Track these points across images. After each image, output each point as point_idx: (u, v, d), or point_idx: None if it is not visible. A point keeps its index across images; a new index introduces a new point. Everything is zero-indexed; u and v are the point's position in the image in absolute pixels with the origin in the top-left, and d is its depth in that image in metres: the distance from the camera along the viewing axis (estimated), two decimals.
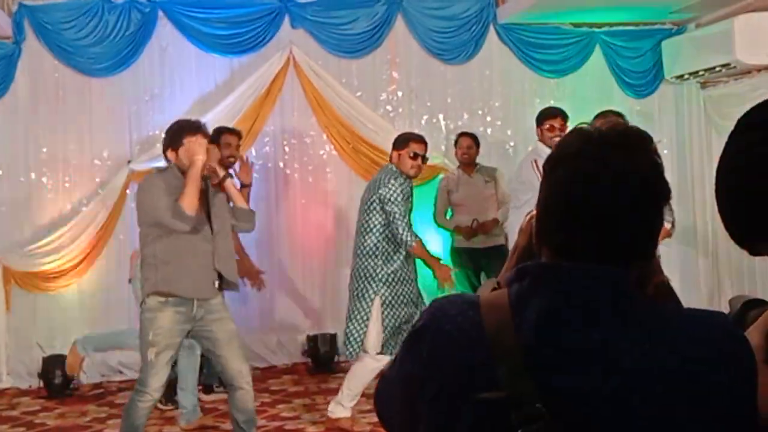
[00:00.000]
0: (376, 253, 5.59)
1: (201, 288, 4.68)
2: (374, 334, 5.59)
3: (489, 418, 1.29)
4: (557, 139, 6.34)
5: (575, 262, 1.35)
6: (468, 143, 7.30)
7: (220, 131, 6.32)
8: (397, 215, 5.49)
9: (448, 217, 7.36)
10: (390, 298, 5.58)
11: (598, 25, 8.10)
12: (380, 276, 5.58)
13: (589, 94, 8.12)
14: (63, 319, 7.35)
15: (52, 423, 6.20)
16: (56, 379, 6.87)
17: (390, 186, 5.53)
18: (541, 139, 6.37)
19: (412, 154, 5.61)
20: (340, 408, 5.74)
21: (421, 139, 5.75)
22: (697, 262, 8.16)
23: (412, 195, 5.71)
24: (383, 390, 1.59)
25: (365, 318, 5.60)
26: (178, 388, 5.89)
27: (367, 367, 5.66)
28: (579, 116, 8.00)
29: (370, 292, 5.59)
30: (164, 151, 4.76)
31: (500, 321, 1.34)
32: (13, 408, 6.61)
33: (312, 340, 7.48)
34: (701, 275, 8.15)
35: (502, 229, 7.15)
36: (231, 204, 4.89)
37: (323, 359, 7.39)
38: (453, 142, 7.68)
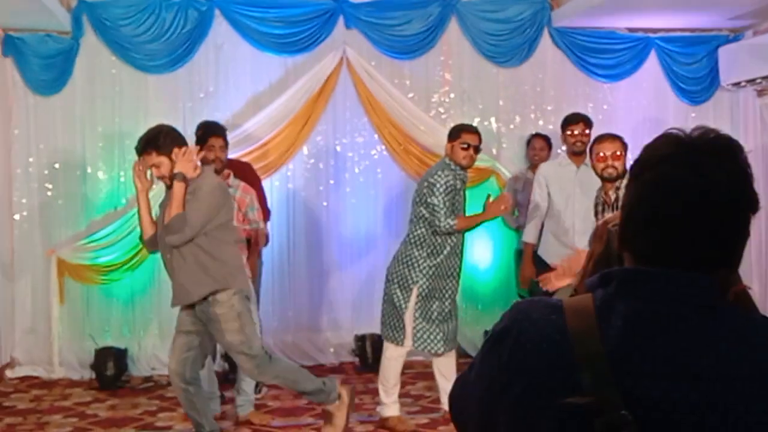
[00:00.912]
0: (423, 243, 5.64)
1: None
2: (406, 323, 5.66)
3: (571, 423, 1.27)
4: (579, 144, 6.40)
5: (661, 269, 1.34)
6: (540, 144, 7.30)
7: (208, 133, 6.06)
8: (437, 206, 5.54)
9: (514, 216, 7.37)
10: (427, 290, 5.64)
11: (654, 30, 8.03)
12: (422, 267, 5.64)
13: (643, 100, 8.08)
14: (115, 312, 7.46)
15: (103, 414, 6.28)
16: (108, 371, 6.96)
17: (436, 177, 5.60)
18: (564, 144, 6.59)
19: (465, 145, 5.65)
20: (384, 407, 5.79)
21: (473, 130, 5.81)
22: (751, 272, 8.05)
23: (464, 185, 5.75)
24: (459, 393, 1.57)
25: (400, 304, 5.67)
26: (239, 378, 5.93)
27: (390, 356, 5.75)
28: (632, 122, 8.01)
29: (410, 281, 5.65)
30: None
31: (585, 326, 1.33)
32: (66, 399, 6.71)
33: (360, 339, 7.50)
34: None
35: None
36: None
37: (371, 359, 7.40)
38: (501, 144, 7.70)
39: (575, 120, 6.57)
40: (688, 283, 1.33)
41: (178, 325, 5.07)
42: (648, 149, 1.42)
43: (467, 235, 5.86)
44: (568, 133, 6.53)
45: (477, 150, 5.75)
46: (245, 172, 6.40)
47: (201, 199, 4.80)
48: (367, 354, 7.40)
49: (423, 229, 5.65)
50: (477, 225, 5.80)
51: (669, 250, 1.34)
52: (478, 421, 1.47)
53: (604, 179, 5.27)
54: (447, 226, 5.54)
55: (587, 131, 6.52)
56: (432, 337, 5.66)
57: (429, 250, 5.64)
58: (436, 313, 5.66)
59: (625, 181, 4.97)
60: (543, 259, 6.64)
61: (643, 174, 1.39)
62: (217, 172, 5.72)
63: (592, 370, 1.28)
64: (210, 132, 5.97)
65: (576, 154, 6.51)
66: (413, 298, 5.64)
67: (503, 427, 1.38)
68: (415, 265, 5.64)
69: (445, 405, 5.96)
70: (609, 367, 1.27)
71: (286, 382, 5.23)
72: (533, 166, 7.32)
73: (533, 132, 7.55)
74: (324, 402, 5.20)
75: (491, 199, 5.76)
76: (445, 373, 5.75)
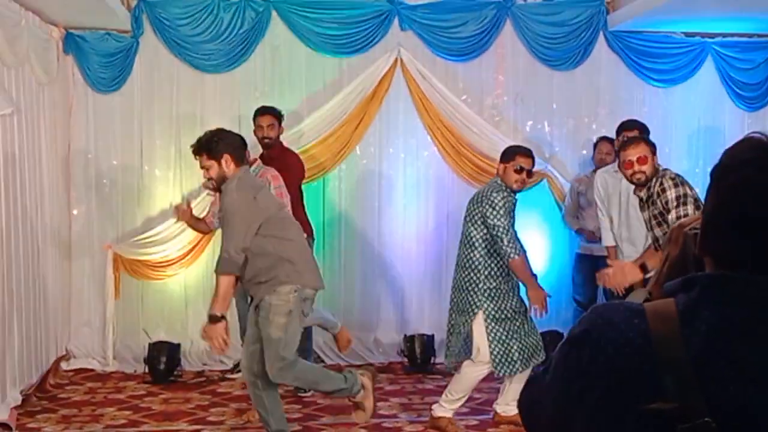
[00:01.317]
0: (479, 267, 5.55)
1: None
2: (480, 348, 5.56)
3: (653, 429, 1.26)
4: None
5: (747, 274, 1.33)
6: (608, 149, 7.22)
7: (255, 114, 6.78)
8: (500, 228, 5.44)
9: (576, 219, 7.38)
10: (494, 312, 5.54)
11: (711, 35, 7.95)
12: (482, 289, 5.54)
13: (699, 105, 8.00)
14: (168, 307, 7.58)
15: (157, 408, 6.37)
16: (161, 366, 7.06)
17: (493, 198, 5.49)
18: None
19: (518, 168, 5.58)
20: (441, 408, 5.79)
21: (527, 153, 5.70)
22: None
23: (514, 209, 5.63)
24: (531, 397, 1.56)
25: (465, 331, 5.60)
26: None
27: (469, 375, 5.67)
28: (687, 127, 7.95)
29: (473, 306, 5.56)
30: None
31: (668, 331, 1.32)
32: (119, 392, 6.81)
33: (409, 340, 7.52)
34: None
35: None
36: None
37: (419, 360, 7.43)
38: (554, 148, 7.67)
39: (630, 126, 6.48)
40: None
41: (245, 319, 5.26)
42: (730, 153, 1.40)
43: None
44: (624, 139, 6.48)
45: (530, 174, 5.72)
46: (286, 162, 6.57)
47: (228, 222, 4.92)
48: (416, 354, 7.42)
49: (477, 252, 5.55)
50: (523, 281, 5.63)
51: (753, 255, 1.33)
52: (551, 424, 1.46)
53: (635, 185, 5.26)
54: (509, 253, 5.43)
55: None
56: (509, 358, 5.56)
57: (486, 273, 5.54)
58: (509, 333, 5.57)
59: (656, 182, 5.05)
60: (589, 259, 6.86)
61: (725, 178, 1.38)
62: (266, 147, 6.59)
63: (675, 375, 1.27)
64: (257, 112, 6.73)
65: None
66: (479, 322, 5.55)
67: (580, 431, 1.38)
68: (475, 288, 5.55)
69: (499, 406, 5.97)
70: (693, 373, 1.27)
71: (307, 383, 5.28)
72: (596, 169, 7.27)
73: (601, 135, 7.42)
74: (349, 395, 5.24)
75: (544, 294, 5.64)
76: (517, 378, 5.72)
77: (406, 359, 7.53)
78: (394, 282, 7.89)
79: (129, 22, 7.36)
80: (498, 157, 5.85)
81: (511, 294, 5.61)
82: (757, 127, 7.90)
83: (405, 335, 7.60)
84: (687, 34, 7.95)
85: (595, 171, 7.31)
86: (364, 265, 7.82)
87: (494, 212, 5.46)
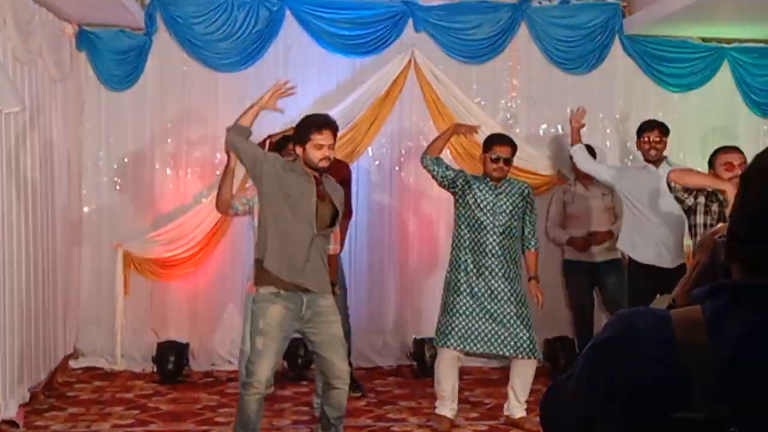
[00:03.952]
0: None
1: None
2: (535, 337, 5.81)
3: None
4: (653, 152, 6.34)
5: None
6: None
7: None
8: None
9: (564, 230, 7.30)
10: (526, 299, 5.83)
11: (728, 41, 7.90)
12: (520, 279, 5.81)
13: (714, 111, 7.96)
14: (177, 306, 7.55)
15: (165, 407, 6.35)
16: (169, 365, 7.04)
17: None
18: (639, 151, 6.65)
19: (494, 157, 5.80)
20: (516, 408, 5.85)
21: (504, 141, 5.92)
22: None
23: (491, 197, 5.84)
24: (553, 403, 1.54)
25: (530, 321, 5.76)
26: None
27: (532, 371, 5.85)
28: (702, 132, 7.89)
29: (525, 296, 5.77)
30: (293, 146, 4.93)
31: (695, 338, 1.29)
32: (128, 391, 6.79)
33: (419, 343, 7.47)
34: None
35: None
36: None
37: (428, 363, 7.37)
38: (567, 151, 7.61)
39: (650, 126, 6.55)
40: None
41: (272, 331, 4.71)
42: (760, 158, 1.38)
43: None
44: (644, 140, 6.52)
45: (507, 162, 5.82)
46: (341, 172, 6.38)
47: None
48: (425, 357, 7.37)
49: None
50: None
51: None
52: (573, 431, 1.44)
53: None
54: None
55: (663, 138, 6.48)
56: (537, 344, 5.86)
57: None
58: (533, 320, 5.82)
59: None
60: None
61: (753, 183, 1.36)
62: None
63: (702, 383, 1.24)
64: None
65: (650, 162, 6.46)
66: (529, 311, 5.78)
67: None
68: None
69: (506, 410, 5.94)
70: (720, 381, 1.24)
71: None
72: (579, 178, 7.21)
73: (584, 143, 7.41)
74: None
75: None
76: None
77: (414, 363, 7.48)
78: (404, 284, 7.84)
79: (142, 20, 7.33)
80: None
81: None
82: None
83: (414, 338, 7.56)
84: (703, 39, 7.90)
85: (576, 179, 7.25)
86: (373, 267, 7.78)
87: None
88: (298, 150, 4.85)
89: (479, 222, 5.72)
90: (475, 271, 5.70)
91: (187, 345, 7.28)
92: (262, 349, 4.70)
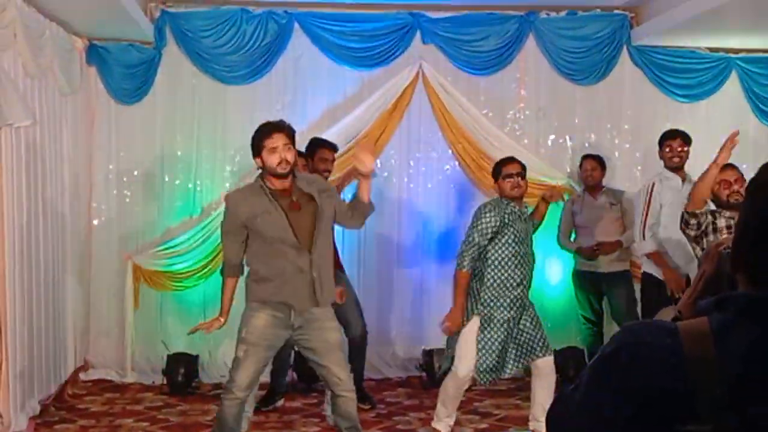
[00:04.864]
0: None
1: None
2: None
3: None
4: (676, 159, 6.31)
5: None
6: (592, 165, 7.20)
7: (316, 144, 6.51)
8: (468, 240, 5.58)
9: (572, 239, 7.30)
10: None
11: (735, 51, 7.89)
12: None
13: (722, 121, 7.91)
14: (187, 319, 7.54)
15: (174, 419, 6.36)
16: (179, 377, 7.05)
17: (479, 213, 5.62)
18: (662, 160, 6.55)
19: (507, 175, 5.64)
20: (539, 423, 5.71)
21: (509, 160, 5.80)
22: None
23: (518, 219, 5.62)
24: (560, 412, 1.53)
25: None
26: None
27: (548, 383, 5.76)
28: (711, 143, 7.83)
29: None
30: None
31: (702, 350, 1.29)
32: (138, 403, 6.81)
33: (428, 354, 7.47)
34: None
35: (628, 254, 7.06)
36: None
37: (438, 373, 7.36)
38: (575, 162, 7.61)
39: (672, 135, 6.52)
40: None
41: (254, 339, 4.70)
42: (764, 170, 1.39)
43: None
44: (666, 149, 6.47)
45: (522, 176, 5.69)
46: None
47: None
48: (435, 368, 7.37)
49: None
50: (455, 297, 5.81)
51: None
52: None
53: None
54: (458, 264, 5.66)
55: (686, 147, 6.46)
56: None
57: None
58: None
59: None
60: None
61: (758, 194, 1.36)
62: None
63: (709, 396, 1.25)
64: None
65: (673, 170, 6.44)
66: None
67: None
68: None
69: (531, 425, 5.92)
70: (727, 393, 1.25)
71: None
72: (587, 187, 7.23)
73: (585, 154, 7.42)
74: None
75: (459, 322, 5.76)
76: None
77: (424, 374, 7.48)
78: (413, 296, 7.85)
79: (152, 34, 7.38)
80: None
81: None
82: None
83: (423, 349, 7.55)
84: (711, 50, 7.90)
85: (584, 190, 7.26)
86: (382, 279, 7.78)
87: (472, 225, 5.58)
88: (258, 162, 4.68)
89: (520, 254, 5.60)
90: (519, 303, 5.62)
91: (196, 357, 7.30)
92: (242, 357, 4.71)
